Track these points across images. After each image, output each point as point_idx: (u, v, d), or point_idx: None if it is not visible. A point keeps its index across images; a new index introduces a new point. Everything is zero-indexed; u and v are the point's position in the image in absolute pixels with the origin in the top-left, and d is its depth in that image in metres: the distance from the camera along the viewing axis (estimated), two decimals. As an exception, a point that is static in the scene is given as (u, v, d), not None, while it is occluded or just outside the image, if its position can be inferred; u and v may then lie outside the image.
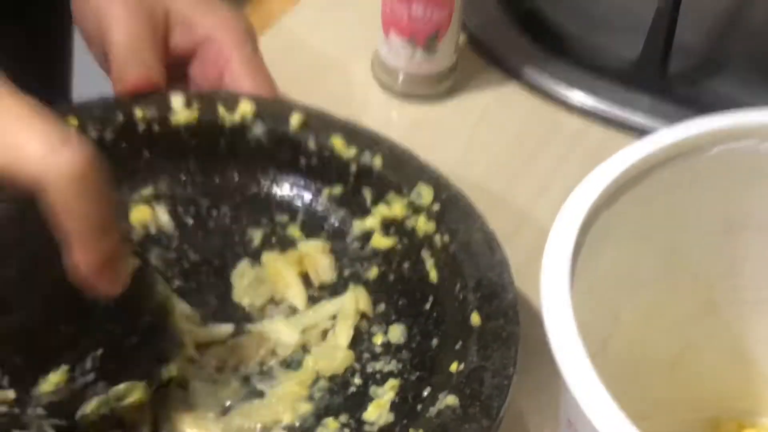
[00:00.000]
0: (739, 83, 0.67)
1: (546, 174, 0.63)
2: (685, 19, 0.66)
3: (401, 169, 0.53)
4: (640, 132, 0.64)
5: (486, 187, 0.61)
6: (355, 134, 0.55)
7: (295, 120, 0.55)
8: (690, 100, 0.66)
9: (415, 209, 0.52)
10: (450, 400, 0.43)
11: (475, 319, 0.46)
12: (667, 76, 0.67)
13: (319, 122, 0.55)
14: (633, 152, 0.42)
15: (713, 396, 0.48)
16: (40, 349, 0.43)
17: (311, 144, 0.55)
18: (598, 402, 0.34)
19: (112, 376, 0.44)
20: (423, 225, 0.51)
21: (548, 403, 0.41)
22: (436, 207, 0.51)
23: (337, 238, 0.54)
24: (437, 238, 0.50)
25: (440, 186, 0.52)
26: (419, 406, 0.46)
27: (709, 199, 0.44)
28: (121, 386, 0.44)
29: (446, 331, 0.48)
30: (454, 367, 0.45)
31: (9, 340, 0.42)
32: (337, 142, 0.54)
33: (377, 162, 0.53)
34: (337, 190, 0.55)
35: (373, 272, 0.53)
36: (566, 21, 0.72)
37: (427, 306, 0.50)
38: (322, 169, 0.55)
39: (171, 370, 0.46)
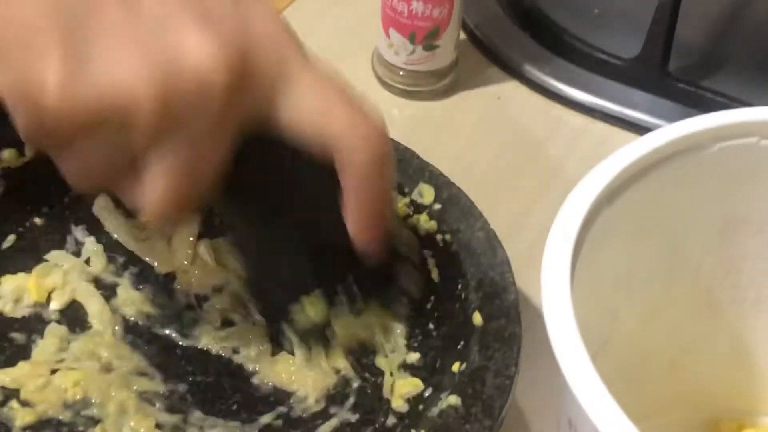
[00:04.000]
0: (739, 81, 0.67)
1: (546, 172, 0.63)
2: (685, 17, 0.66)
3: (402, 168, 0.53)
4: (641, 130, 0.64)
5: (486, 186, 0.61)
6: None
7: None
8: (690, 98, 0.66)
9: (417, 208, 0.52)
10: (452, 399, 0.43)
11: (477, 318, 0.46)
12: (667, 73, 0.67)
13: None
14: (633, 150, 0.42)
15: (713, 396, 0.48)
16: (307, 266, 0.48)
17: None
18: (598, 401, 0.34)
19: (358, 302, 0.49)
20: (424, 224, 0.51)
21: (549, 402, 0.41)
22: (437, 206, 0.51)
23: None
24: (438, 237, 0.50)
25: (441, 185, 0.52)
26: (421, 406, 0.46)
27: (709, 197, 0.44)
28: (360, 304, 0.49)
29: (448, 331, 0.48)
30: (456, 366, 0.45)
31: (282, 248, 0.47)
32: (338, 141, 0.54)
33: (378, 161, 0.53)
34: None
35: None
36: (567, 18, 0.72)
37: (429, 306, 0.50)
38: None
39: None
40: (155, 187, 0.39)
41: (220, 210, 0.50)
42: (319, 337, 0.49)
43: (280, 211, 0.45)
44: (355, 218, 0.43)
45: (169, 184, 0.39)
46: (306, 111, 0.40)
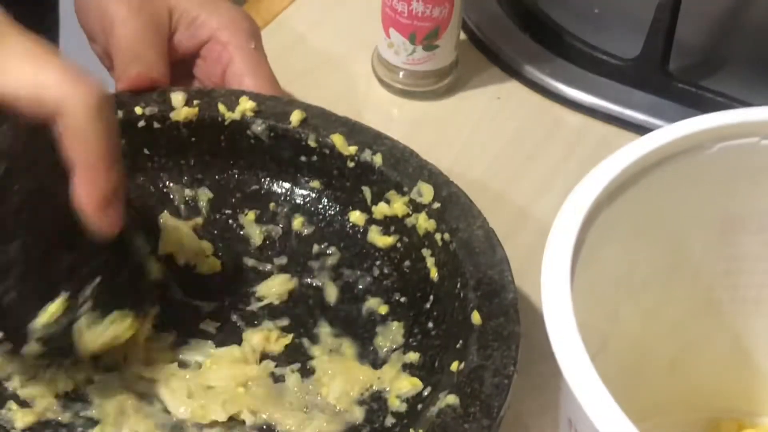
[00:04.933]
0: (739, 81, 0.67)
1: (546, 172, 0.63)
2: (685, 17, 0.66)
3: (402, 168, 0.53)
4: (641, 130, 0.64)
5: (486, 185, 0.61)
6: (355, 132, 0.55)
7: (295, 117, 0.55)
8: (690, 98, 0.66)
9: (416, 207, 0.52)
10: (450, 399, 0.43)
11: (476, 317, 0.46)
12: (667, 73, 0.67)
13: (320, 120, 0.55)
14: (633, 150, 0.42)
15: (713, 396, 0.48)
16: (41, 276, 0.44)
17: (311, 141, 0.55)
18: (598, 401, 0.34)
19: (105, 306, 0.45)
20: (423, 223, 0.51)
21: (548, 402, 0.41)
22: (436, 205, 0.51)
23: (336, 236, 0.54)
24: (438, 236, 0.50)
25: (440, 184, 0.52)
26: (420, 405, 0.46)
27: (709, 197, 0.44)
28: (115, 313, 0.45)
29: (447, 329, 0.48)
30: (454, 366, 0.45)
31: (9, 269, 0.43)
32: (338, 140, 0.54)
33: (378, 160, 0.53)
34: (337, 187, 0.55)
35: (374, 273, 0.53)
36: (567, 18, 0.72)
37: (428, 305, 0.50)
38: (322, 166, 0.55)
39: (155, 308, 0.48)
40: None
41: None
42: (60, 340, 0.45)
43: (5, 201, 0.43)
44: (82, 186, 0.43)
45: None
46: (14, 72, 0.41)
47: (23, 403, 0.47)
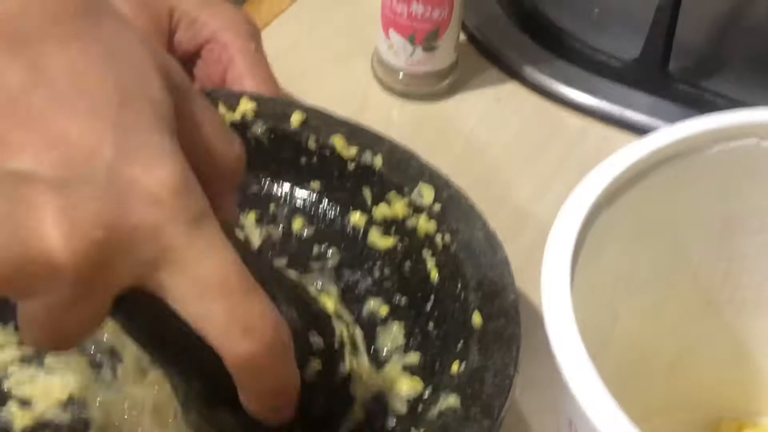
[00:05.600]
0: (739, 82, 0.67)
1: (546, 173, 0.63)
2: (685, 18, 0.66)
3: (402, 169, 0.53)
4: (640, 131, 0.64)
5: (486, 187, 0.61)
6: (355, 133, 0.55)
7: (295, 119, 0.55)
8: (690, 99, 0.66)
9: (416, 209, 0.52)
10: (451, 400, 0.43)
11: (477, 319, 0.46)
12: (667, 74, 0.67)
13: (320, 121, 0.55)
14: (633, 151, 0.42)
15: (713, 396, 0.48)
16: None
17: (312, 143, 0.55)
18: (598, 402, 0.34)
19: None
20: (424, 225, 0.51)
21: (549, 403, 0.41)
22: (436, 207, 0.51)
23: (336, 237, 0.54)
24: (438, 237, 0.50)
25: (441, 185, 0.52)
26: (420, 407, 0.46)
27: (709, 198, 0.44)
28: None
29: (447, 331, 0.48)
30: (455, 367, 0.45)
31: None
32: (338, 142, 0.54)
33: (378, 161, 0.53)
34: (338, 189, 0.55)
35: (374, 274, 0.53)
36: (566, 19, 0.72)
37: (428, 306, 0.50)
38: (322, 168, 0.55)
39: None
40: (22, 324, 0.34)
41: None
42: None
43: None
44: (248, 405, 0.37)
45: (31, 332, 0.34)
46: (184, 297, 0.34)
47: (23, 402, 0.47)
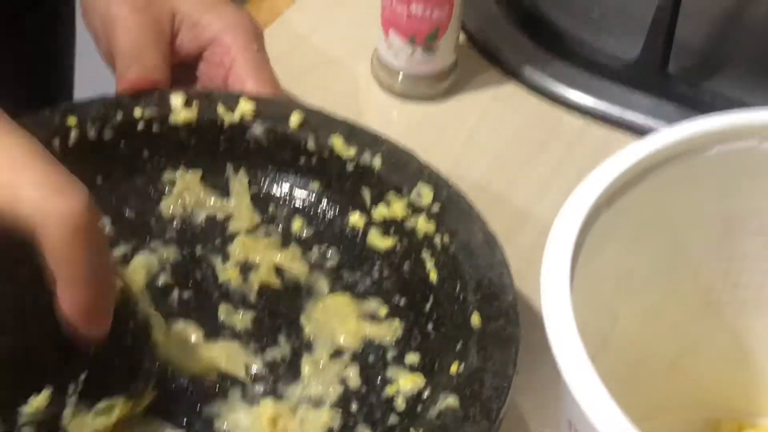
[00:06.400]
0: (739, 83, 0.67)
1: (546, 174, 0.63)
2: (685, 19, 0.66)
3: (401, 170, 0.53)
4: (640, 132, 0.64)
5: (486, 187, 0.61)
6: (355, 134, 0.55)
7: (294, 119, 0.55)
8: (690, 100, 0.66)
9: (415, 209, 0.52)
10: (450, 401, 0.43)
11: (476, 319, 0.46)
12: (666, 75, 0.67)
13: (319, 122, 0.55)
14: (633, 152, 0.42)
15: (713, 396, 0.48)
16: (27, 371, 0.43)
17: (311, 144, 0.55)
18: (598, 402, 0.34)
19: (94, 395, 0.44)
20: (423, 225, 0.51)
21: (548, 403, 0.41)
22: (436, 207, 0.51)
23: (336, 238, 0.54)
24: (437, 238, 0.50)
25: (440, 186, 0.52)
26: (419, 407, 0.46)
27: (708, 199, 0.44)
28: (102, 404, 0.44)
29: (446, 332, 0.48)
30: (454, 368, 0.45)
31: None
32: (337, 142, 0.54)
33: (377, 162, 0.53)
34: (337, 190, 0.55)
35: (373, 274, 0.53)
36: (566, 20, 0.72)
37: (428, 307, 0.50)
38: (321, 168, 0.55)
39: (149, 388, 0.46)
40: None
41: None
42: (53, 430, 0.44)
43: None
44: (64, 297, 0.40)
45: None
46: None
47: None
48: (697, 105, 0.66)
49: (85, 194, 0.39)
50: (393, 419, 0.47)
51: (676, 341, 0.47)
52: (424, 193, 0.52)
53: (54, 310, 0.41)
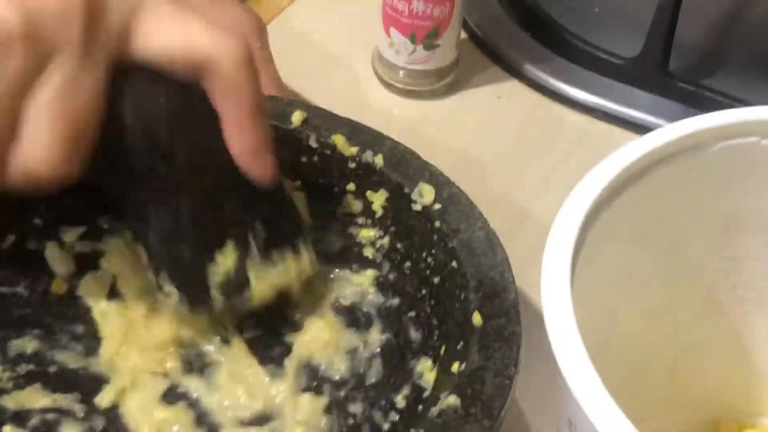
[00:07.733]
0: (740, 80, 0.67)
1: (546, 172, 0.63)
2: (685, 17, 0.66)
3: (403, 168, 0.53)
4: (641, 129, 0.64)
5: (486, 186, 0.61)
6: (356, 132, 0.55)
7: (296, 118, 0.55)
8: (690, 97, 0.66)
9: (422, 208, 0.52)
10: (451, 400, 0.43)
11: (477, 318, 0.46)
12: (667, 73, 0.67)
13: (321, 120, 0.55)
14: (633, 150, 0.42)
15: (713, 396, 0.48)
16: (209, 229, 0.46)
17: (313, 142, 0.55)
18: (598, 402, 0.34)
19: (269, 250, 0.48)
20: (423, 225, 0.51)
21: (548, 402, 0.41)
22: (437, 206, 0.51)
23: (336, 237, 0.54)
24: (438, 237, 0.50)
25: (441, 185, 0.52)
26: (420, 406, 0.46)
27: (709, 197, 0.44)
28: (281, 256, 0.48)
29: (447, 331, 0.48)
30: (455, 367, 0.45)
31: (180, 225, 0.45)
32: (339, 141, 0.54)
33: (378, 160, 0.53)
34: (338, 188, 0.55)
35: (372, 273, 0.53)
36: (567, 18, 0.72)
37: (428, 306, 0.50)
38: (323, 167, 0.55)
39: (311, 249, 0.50)
40: (38, 135, 0.39)
41: (105, 179, 0.46)
42: (237, 289, 0.48)
43: (168, 161, 0.44)
44: (237, 136, 0.44)
45: (50, 126, 0.39)
46: (165, 33, 0.42)
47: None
48: (698, 102, 0.66)
49: (244, 38, 0.44)
50: (394, 418, 0.47)
51: (676, 341, 0.47)
52: (426, 192, 0.52)
53: (226, 159, 0.44)
